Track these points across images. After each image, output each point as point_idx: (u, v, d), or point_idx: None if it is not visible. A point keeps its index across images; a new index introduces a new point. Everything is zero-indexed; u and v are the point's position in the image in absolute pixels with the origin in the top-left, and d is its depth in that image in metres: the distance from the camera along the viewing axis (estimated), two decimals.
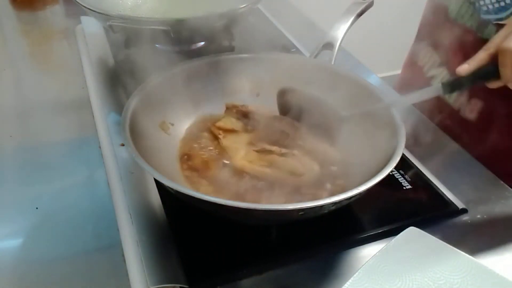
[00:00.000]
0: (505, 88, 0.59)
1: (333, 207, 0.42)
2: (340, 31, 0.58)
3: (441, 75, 0.71)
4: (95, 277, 0.44)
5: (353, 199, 0.41)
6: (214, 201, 0.38)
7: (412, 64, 0.78)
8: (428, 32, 0.75)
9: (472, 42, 0.62)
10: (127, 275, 0.43)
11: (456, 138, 0.62)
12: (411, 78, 0.78)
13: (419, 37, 0.78)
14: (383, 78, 0.76)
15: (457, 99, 0.67)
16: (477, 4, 0.60)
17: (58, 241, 0.47)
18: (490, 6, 0.59)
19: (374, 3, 0.63)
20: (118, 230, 0.47)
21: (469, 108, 0.66)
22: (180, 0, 0.84)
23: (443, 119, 0.65)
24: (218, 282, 0.42)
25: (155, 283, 0.40)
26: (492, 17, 0.59)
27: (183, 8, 0.83)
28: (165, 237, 0.45)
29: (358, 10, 0.60)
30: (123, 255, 0.45)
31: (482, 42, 0.60)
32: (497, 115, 0.64)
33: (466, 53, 0.64)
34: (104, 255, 0.46)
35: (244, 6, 0.70)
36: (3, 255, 0.46)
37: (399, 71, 0.86)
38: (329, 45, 0.59)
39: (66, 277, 0.44)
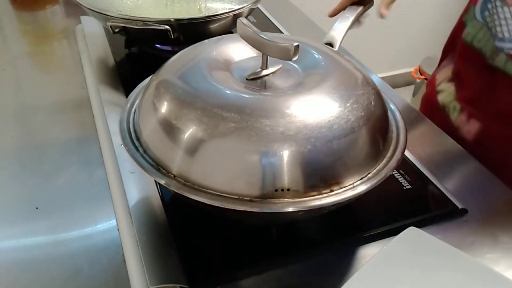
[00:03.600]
0: (502, 110, 0.57)
1: (333, 207, 0.42)
2: (340, 31, 0.58)
3: (447, 91, 0.69)
4: (95, 277, 0.44)
5: (353, 199, 0.41)
6: (214, 204, 0.38)
7: (432, 78, 0.77)
8: (449, 49, 0.73)
9: (482, 68, 0.61)
10: (127, 275, 0.43)
11: None
12: (427, 91, 0.76)
13: (444, 53, 0.76)
14: (383, 78, 0.76)
15: (457, 117, 0.66)
16: (493, 30, 0.58)
17: (58, 241, 0.48)
18: (506, 34, 0.56)
19: (374, 3, 0.63)
20: (118, 230, 0.47)
21: (467, 128, 0.64)
22: (180, 0, 0.84)
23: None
24: (218, 282, 0.42)
25: (155, 283, 0.40)
26: (506, 45, 0.57)
27: (183, 8, 0.84)
28: (165, 237, 0.45)
29: (358, 10, 0.60)
30: (123, 255, 0.45)
31: (491, 69, 0.59)
32: (494, 138, 0.62)
33: (475, 77, 0.63)
34: (104, 255, 0.46)
35: (244, 6, 0.71)
36: (3, 255, 0.46)
37: (399, 71, 0.85)
38: (329, 45, 0.59)
39: (66, 277, 0.44)
